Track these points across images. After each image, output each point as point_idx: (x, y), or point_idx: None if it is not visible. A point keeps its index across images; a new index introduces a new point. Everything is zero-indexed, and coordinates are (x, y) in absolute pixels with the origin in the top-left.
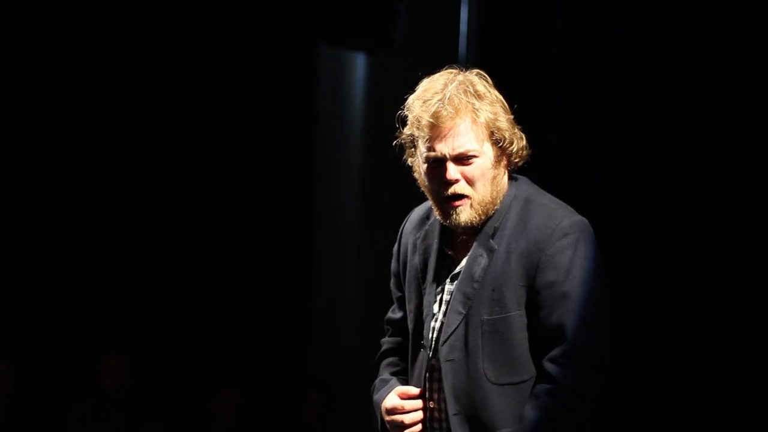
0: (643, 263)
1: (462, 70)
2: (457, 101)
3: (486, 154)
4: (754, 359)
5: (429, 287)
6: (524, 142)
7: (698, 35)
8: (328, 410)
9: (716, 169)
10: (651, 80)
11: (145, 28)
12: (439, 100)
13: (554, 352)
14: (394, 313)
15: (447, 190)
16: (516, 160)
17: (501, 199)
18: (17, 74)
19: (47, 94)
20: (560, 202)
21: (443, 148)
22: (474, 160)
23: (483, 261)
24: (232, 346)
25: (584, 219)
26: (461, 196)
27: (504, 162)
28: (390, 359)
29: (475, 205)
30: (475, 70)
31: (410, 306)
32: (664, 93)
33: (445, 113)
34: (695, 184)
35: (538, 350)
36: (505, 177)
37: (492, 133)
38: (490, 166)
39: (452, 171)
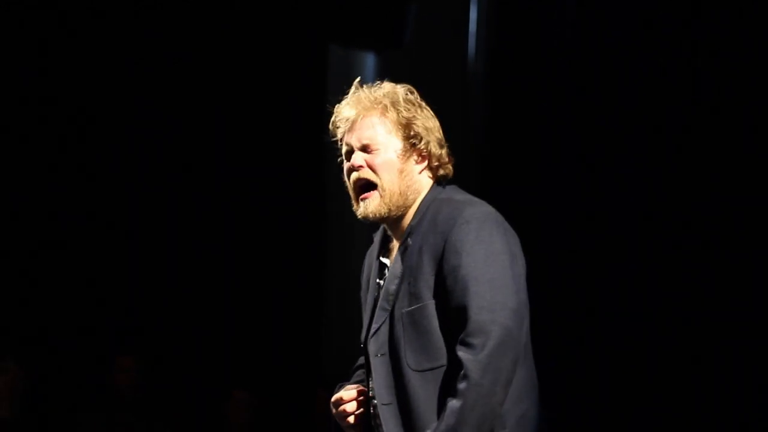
0: (653, 265)
1: (397, 84)
2: (366, 100)
3: (392, 146)
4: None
5: (369, 296)
6: (443, 151)
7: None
8: None
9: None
10: (661, 78)
11: (153, 28)
12: (352, 100)
13: (461, 335)
14: None
15: (355, 178)
16: (440, 171)
17: (418, 199)
18: (20, 73)
19: (66, 88)
20: (479, 201)
21: (351, 140)
22: (379, 150)
23: (401, 258)
24: (245, 346)
25: (491, 209)
26: (369, 186)
27: (415, 158)
28: (357, 370)
29: (383, 194)
30: (408, 86)
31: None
32: (675, 89)
33: (354, 110)
34: (705, 185)
35: (452, 335)
36: (422, 177)
37: (402, 129)
38: (396, 158)
39: (357, 158)
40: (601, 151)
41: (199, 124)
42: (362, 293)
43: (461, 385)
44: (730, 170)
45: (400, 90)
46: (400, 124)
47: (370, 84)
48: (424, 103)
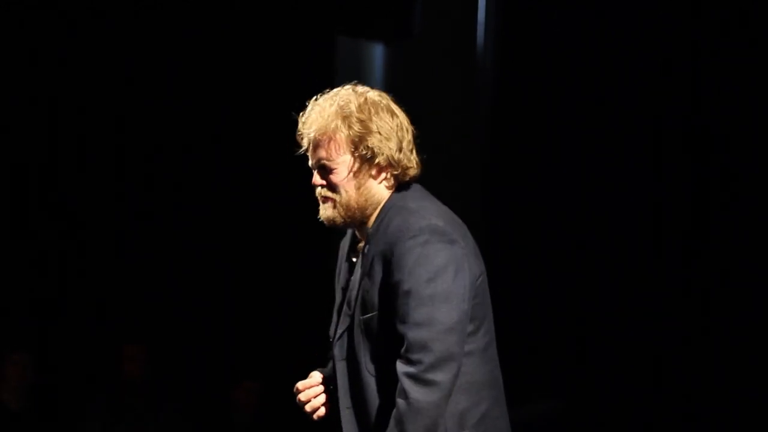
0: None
1: (357, 90)
2: (319, 117)
3: (346, 164)
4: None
5: (338, 294)
6: (406, 155)
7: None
8: None
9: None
10: (672, 67)
11: (161, 20)
12: (308, 117)
13: (402, 350)
14: None
15: (317, 194)
16: (404, 175)
17: (378, 206)
18: (25, 71)
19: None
20: (432, 208)
21: (309, 160)
22: (334, 169)
23: (360, 265)
24: (253, 334)
25: (438, 223)
26: (326, 198)
27: (372, 172)
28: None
29: (338, 206)
30: (376, 91)
31: None
32: (680, 83)
33: (310, 128)
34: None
35: (397, 346)
36: (381, 186)
37: (355, 146)
38: (351, 175)
39: (315, 178)
40: (610, 142)
41: (205, 118)
42: (336, 284)
43: (400, 401)
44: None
45: (355, 100)
46: (353, 141)
47: (329, 92)
48: (386, 105)
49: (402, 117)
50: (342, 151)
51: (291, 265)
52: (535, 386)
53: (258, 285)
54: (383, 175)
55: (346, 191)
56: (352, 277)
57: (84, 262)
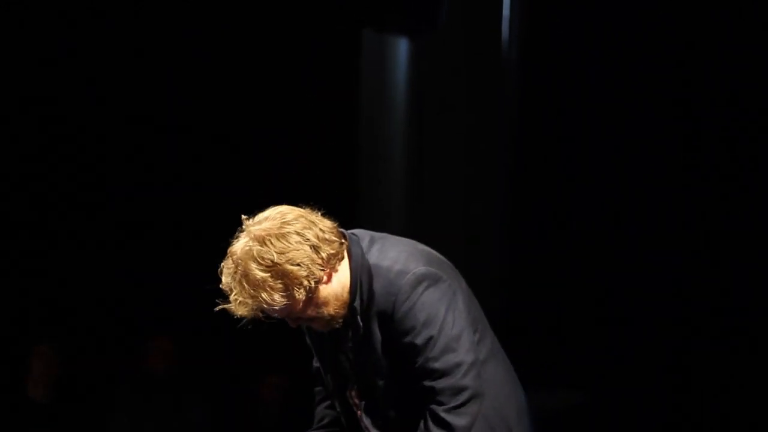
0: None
1: (250, 250)
2: (247, 299)
3: (297, 305)
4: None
5: (332, 370)
6: (324, 251)
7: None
8: None
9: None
10: (698, 60)
11: (184, 14)
12: (236, 302)
13: (435, 396)
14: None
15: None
16: (339, 255)
17: (347, 285)
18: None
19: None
20: (398, 253)
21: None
22: (295, 314)
23: (357, 339)
24: (279, 329)
25: (418, 269)
26: (312, 323)
27: (322, 286)
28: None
29: (329, 321)
30: (263, 234)
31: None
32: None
33: (246, 307)
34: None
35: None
36: (336, 279)
37: (289, 297)
38: (311, 303)
39: (290, 323)
40: (636, 134)
41: (230, 110)
42: (318, 353)
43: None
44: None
45: (255, 268)
46: (287, 294)
47: (229, 263)
48: (275, 233)
49: (295, 216)
50: (287, 301)
51: None
52: (557, 379)
53: None
54: (327, 276)
55: (321, 309)
56: (347, 350)
57: (110, 255)
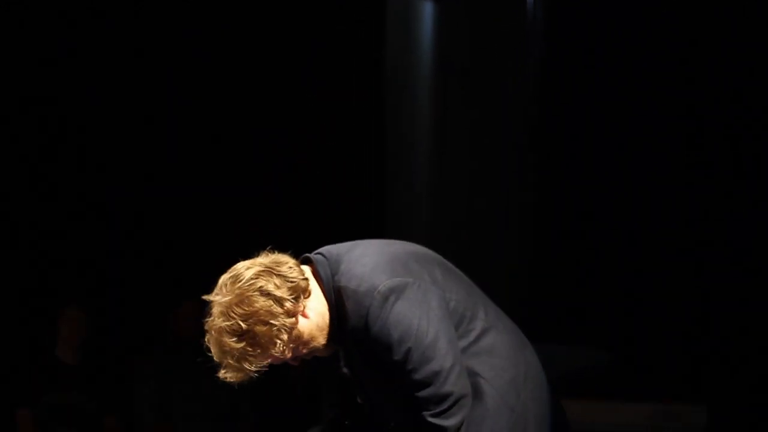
0: None
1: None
2: (235, 374)
3: (284, 353)
4: None
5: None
6: (292, 291)
7: None
8: None
9: None
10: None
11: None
12: (227, 373)
13: (421, 403)
14: None
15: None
16: (305, 294)
17: (326, 311)
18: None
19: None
20: (360, 268)
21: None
22: (288, 360)
23: (351, 358)
24: None
25: (383, 284)
26: (308, 356)
27: (298, 325)
28: None
29: (325, 347)
30: (224, 306)
31: None
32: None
33: (237, 371)
34: None
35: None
36: (310, 316)
37: (265, 347)
38: (296, 347)
39: (290, 362)
40: (660, 101)
41: (261, 74)
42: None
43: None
44: None
45: (229, 341)
46: (266, 357)
47: (208, 329)
48: (243, 294)
49: (249, 274)
50: (272, 359)
51: (342, 224)
52: (583, 338)
53: (309, 241)
54: (301, 314)
55: (310, 346)
56: (342, 364)
57: (138, 217)
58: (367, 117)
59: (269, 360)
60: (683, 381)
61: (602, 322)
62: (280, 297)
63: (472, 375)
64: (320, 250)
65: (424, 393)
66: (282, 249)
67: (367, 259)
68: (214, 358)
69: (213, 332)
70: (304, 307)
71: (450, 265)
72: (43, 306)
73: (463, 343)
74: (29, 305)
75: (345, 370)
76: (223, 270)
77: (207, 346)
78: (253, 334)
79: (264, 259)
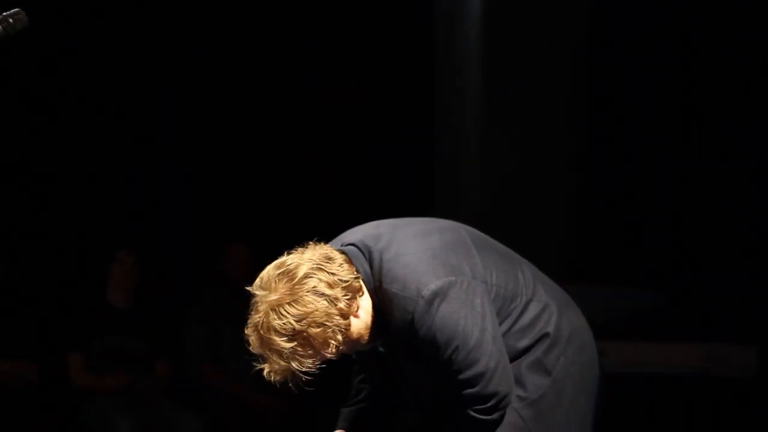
0: None
1: (270, 321)
2: (278, 372)
3: (332, 354)
4: None
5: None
6: (344, 292)
7: None
8: None
9: None
10: None
11: None
12: (270, 371)
13: (468, 401)
14: None
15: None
16: (356, 292)
17: (371, 308)
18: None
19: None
20: (402, 273)
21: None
22: (333, 357)
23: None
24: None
25: (427, 290)
26: (354, 348)
27: (348, 321)
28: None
29: (369, 344)
30: (275, 304)
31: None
32: None
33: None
34: None
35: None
36: (361, 315)
37: (321, 353)
38: (343, 346)
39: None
40: (710, 79)
41: (313, 55)
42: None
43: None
44: None
45: (280, 340)
46: (315, 359)
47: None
48: (293, 304)
49: (302, 271)
50: (320, 360)
51: (392, 196)
52: (635, 279)
53: (359, 202)
54: (357, 309)
55: (357, 344)
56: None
57: (188, 166)
58: (416, 113)
59: (319, 360)
60: (733, 322)
61: (653, 263)
62: (334, 297)
63: (515, 353)
64: (349, 239)
65: (469, 392)
66: (334, 212)
67: (407, 259)
68: (256, 353)
69: (261, 329)
70: (358, 308)
71: (481, 237)
72: (95, 250)
73: (506, 324)
74: (81, 249)
75: (381, 349)
76: (271, 212)
77: (247, 340)
78: (305, 335)
79: (312, 255)
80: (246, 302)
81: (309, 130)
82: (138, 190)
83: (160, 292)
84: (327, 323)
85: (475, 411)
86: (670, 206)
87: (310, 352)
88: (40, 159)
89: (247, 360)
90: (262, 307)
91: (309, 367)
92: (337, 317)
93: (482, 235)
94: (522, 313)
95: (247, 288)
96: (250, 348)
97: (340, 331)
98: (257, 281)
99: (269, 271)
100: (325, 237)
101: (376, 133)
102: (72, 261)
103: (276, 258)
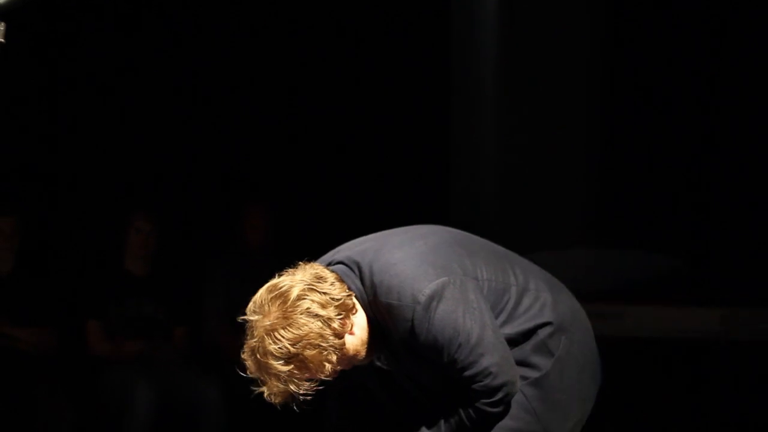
0: None
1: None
2: (277, 394)
3: (329, 374)
4: None
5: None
6: (339, 309)
7: None
8: None
9: None
10: None
11: None
12: (269, 394)
13: (472, 394)
14: None
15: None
16: (350, 308)
17: (365, 324)
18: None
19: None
20: (394, 283)
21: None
22: (333, 370)
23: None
24: (378, 200)
25: (422, 295)
26: (352, 363)
27: (343, 337)
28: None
29: (366, 359)
30: (270, 328)
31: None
32: None
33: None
34: None
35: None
36: (355, 332)
37: (317, 373)
38: (340, 364)
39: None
40: (733, 79)
41: (319, 64)
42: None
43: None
44: None
45: (276, 364)
46: (312, 380)
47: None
48: (286, 328)
49: (294, 294)
50: (316, 381)
51: (407, 184)
52: (654, 245)
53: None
54: (351, 327)
55: (353, 360)
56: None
57: (204, 130)
58: (432, 114)
59: (316, 381)
60: (754, 286)
61: (672, 228)
62: (328, 318)
63: (516, 341)
64: (336, 257)
65: (476, 386)
66: (352, 197)
67: (398, 268)
68: (254, 377)
69: (258, 354)
70: (352, 325)
71: (465, 235)
72: (112, 216)
73: (502, 318)
74: (97, 216)
75: (378, 363)
76: (289, 177)
77: (244, 365)
78: (302, 357)
79: (304, 275)
80: (263, 266)
81: (323, 131)
82: (154, 155)
83: (178, 259)
84: (322, 344)
85: (485, 404)
86: (689, 170)
87: (306, 374)
88: (55, 128)
89: None
90: (257, 332)
91: (306, 390)
92: (332, 338)
93: (465, 233)
94: (517, 304)
95: (241, 318)
96: (248, 372)
97: (335, 352)
98: (251, 305)
99: (262, 294)
100: (336, 231)
101: (392, 131)
102: (89, 228)
103: (296, 225)
